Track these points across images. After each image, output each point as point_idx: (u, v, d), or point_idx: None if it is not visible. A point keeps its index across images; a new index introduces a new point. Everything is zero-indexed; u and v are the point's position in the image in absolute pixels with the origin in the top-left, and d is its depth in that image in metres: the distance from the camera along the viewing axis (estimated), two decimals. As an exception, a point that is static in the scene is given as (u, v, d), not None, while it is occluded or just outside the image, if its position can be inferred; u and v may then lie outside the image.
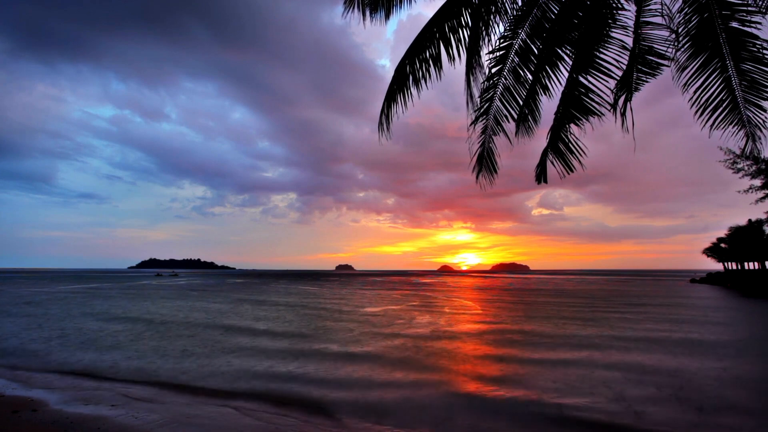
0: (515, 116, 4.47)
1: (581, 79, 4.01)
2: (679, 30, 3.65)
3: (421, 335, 14.70)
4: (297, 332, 15.33)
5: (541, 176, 4.44)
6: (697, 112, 3.78)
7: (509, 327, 16.68)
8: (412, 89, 4.25)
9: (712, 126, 3.78)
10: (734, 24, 3.43)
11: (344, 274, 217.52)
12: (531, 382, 8.70)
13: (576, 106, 4.10)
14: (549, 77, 4.19)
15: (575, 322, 17.74)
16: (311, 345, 12.84)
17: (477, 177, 4.65)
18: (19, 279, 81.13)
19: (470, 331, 15.60)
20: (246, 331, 15.66)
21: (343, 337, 14.35)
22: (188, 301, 30.89)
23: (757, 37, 3.39)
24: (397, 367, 10.06)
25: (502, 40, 4.23)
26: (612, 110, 3.95)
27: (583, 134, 4.16)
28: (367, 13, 4.28)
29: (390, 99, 4.32)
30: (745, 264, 61.38)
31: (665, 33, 3.73)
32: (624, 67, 3.86)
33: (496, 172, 4.61)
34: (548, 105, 4.33)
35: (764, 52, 3.42)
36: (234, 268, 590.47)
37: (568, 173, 4.26)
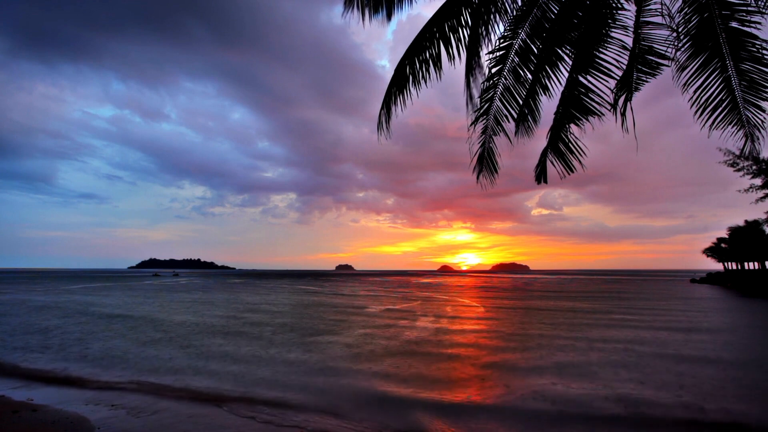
0: (515, 116, 4.47)
1: (581, 79, 4.01)
2: (679, 30, 3.65)
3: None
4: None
5: (541, 176, 4.45)
6: (697, 112, 3.79)
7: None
8: (411, 89, 4.24)
9: (711, 126, 3.78)
10: (734, 24, 3.43)
11: (344, 274, 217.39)
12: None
13: (576, 106, 4.10)
14: (549, 77, 4.19)
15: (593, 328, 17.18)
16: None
17: (478, 177, 4.65)
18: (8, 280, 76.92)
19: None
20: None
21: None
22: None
23: (756, 37, 3.40)
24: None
25: (502, 40, 4.23)
26: (612, 110, 3.95)
27: (583, 134, 4.17)
28: (368, 13, 4.27)
29: (389, 99, 4.31)
30: (745, 264, 61.39)
31: (665, 33, 3.73)
32: (624, 67, 3.86)
33: (496, 172, 4.61)
34: (548, 105, 4.34)
35: (764, 52, 3.42)
36: (234, 268, 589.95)
37: (568, 173, 4.27)
